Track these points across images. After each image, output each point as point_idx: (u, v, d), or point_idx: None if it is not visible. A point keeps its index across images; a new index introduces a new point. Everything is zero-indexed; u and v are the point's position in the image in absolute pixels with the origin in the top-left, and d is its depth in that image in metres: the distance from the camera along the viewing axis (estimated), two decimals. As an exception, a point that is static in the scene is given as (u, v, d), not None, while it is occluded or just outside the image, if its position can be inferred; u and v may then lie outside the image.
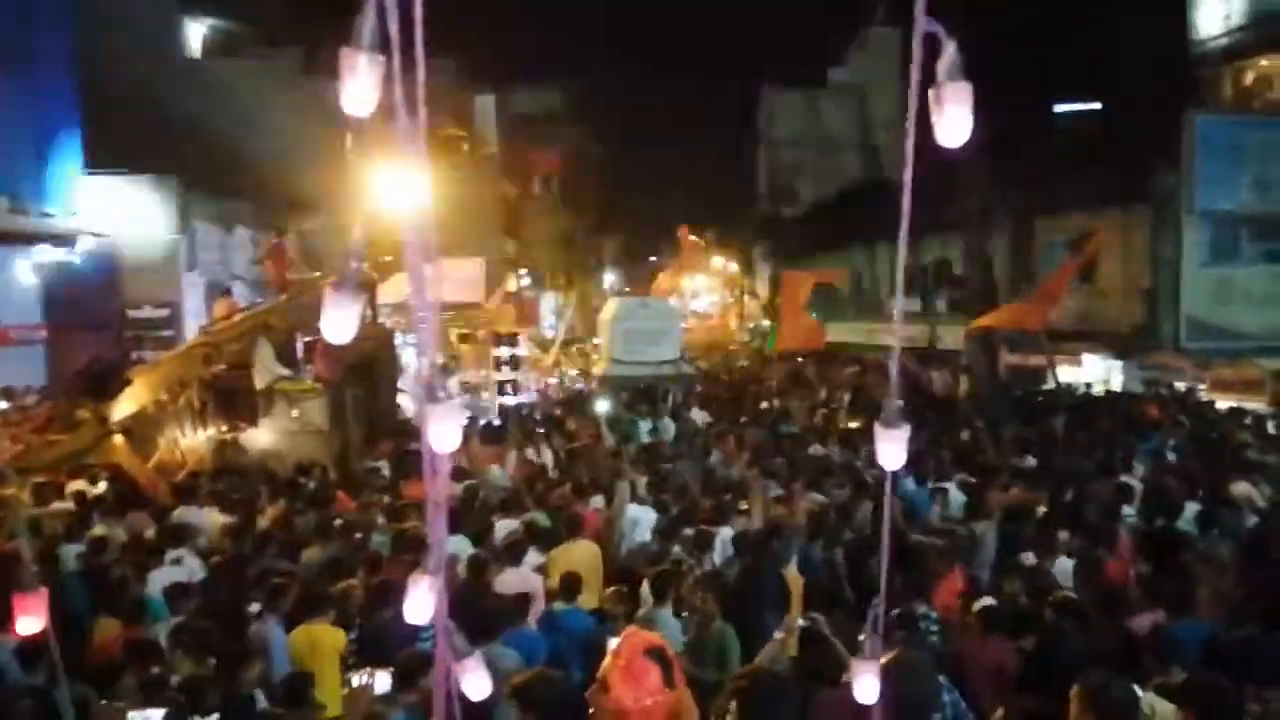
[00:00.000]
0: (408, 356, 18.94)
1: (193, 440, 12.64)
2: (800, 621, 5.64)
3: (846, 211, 40.95)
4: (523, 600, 6.62)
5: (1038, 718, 4.59)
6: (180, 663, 5.68)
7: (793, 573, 7.25)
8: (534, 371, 23.89)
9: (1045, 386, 19.69)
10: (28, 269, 16.66)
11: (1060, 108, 30.28)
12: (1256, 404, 16.05)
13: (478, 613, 6.07)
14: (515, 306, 28.89)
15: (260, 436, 13.02)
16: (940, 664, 5.18)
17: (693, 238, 51.97)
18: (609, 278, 57.73)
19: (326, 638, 6.17)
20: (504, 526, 8.60)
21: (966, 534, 8.14)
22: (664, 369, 21.51)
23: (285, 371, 13.78)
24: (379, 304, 17.52)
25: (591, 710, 4.83)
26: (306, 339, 15.07)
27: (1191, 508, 8.58)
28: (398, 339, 17.97)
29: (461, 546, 7.78)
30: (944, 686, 4.55)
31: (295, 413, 13.23)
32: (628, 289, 51.50)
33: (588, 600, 7.33)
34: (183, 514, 8.97)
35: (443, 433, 1.78)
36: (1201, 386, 18.39)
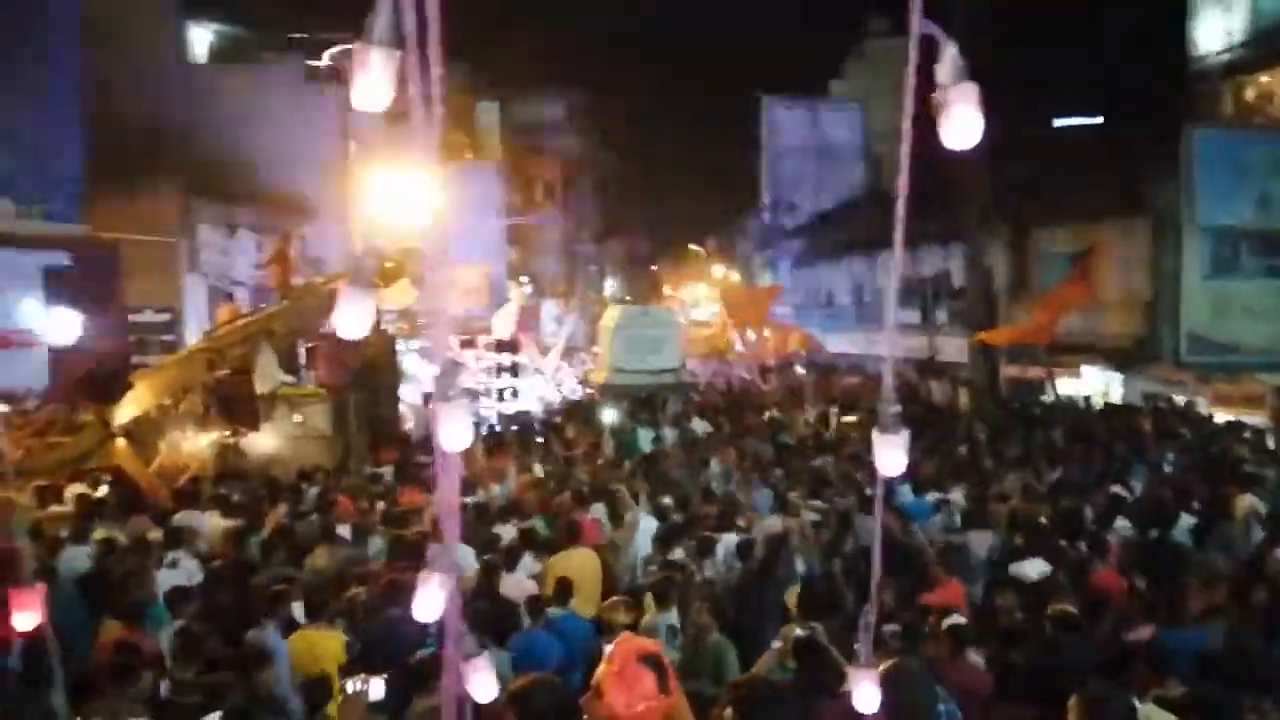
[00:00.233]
0: (410, 363, 18.99)
1: (194, 444, 12.65)
2: (798, 631, 5.64)
3: (847, 222, 41.03)
4: (534, 602, 6.64)
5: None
6: (182, 667, 5.70)
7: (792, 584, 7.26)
8: (536, 378, 23.93)
9: (1044, 399, 19.72)
10: (31, 272, 16.70)
11: (1060, 121, 30.37)
12: (1257, 418, 16.05)
13: (488, 616, 6.12)
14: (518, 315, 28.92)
15: (262, 441, 13.03)
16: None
17: (693, 247, 52.12)
18: (610, 285, 57.78)
19: (326, 644, 6.18)
20: (503, 533, 8.62)
21: (960, 543, 8.16)
22: (664, 378, 21.50)
23: (288, 377, 13.80)
24: (382, 310, 17.56)
25: (585, 717, 4.84)
26: (309, 344, 15.10)
27: (1187, 520, 8.61)
28: (400, 345, 18.01)
29: (464, 557, 7.79)
30: (940, 695, 4.56)
31: (298, 418, 13.24)
32: (629, 297, 51.53)
33: (585, 609, 7.35)
34: (184, 518, 8.97)
35: (453, 432, 1.81)
36: (1202, 400, 18.39)
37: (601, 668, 5.01)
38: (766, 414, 18.15)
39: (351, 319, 1.85)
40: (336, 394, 13.71)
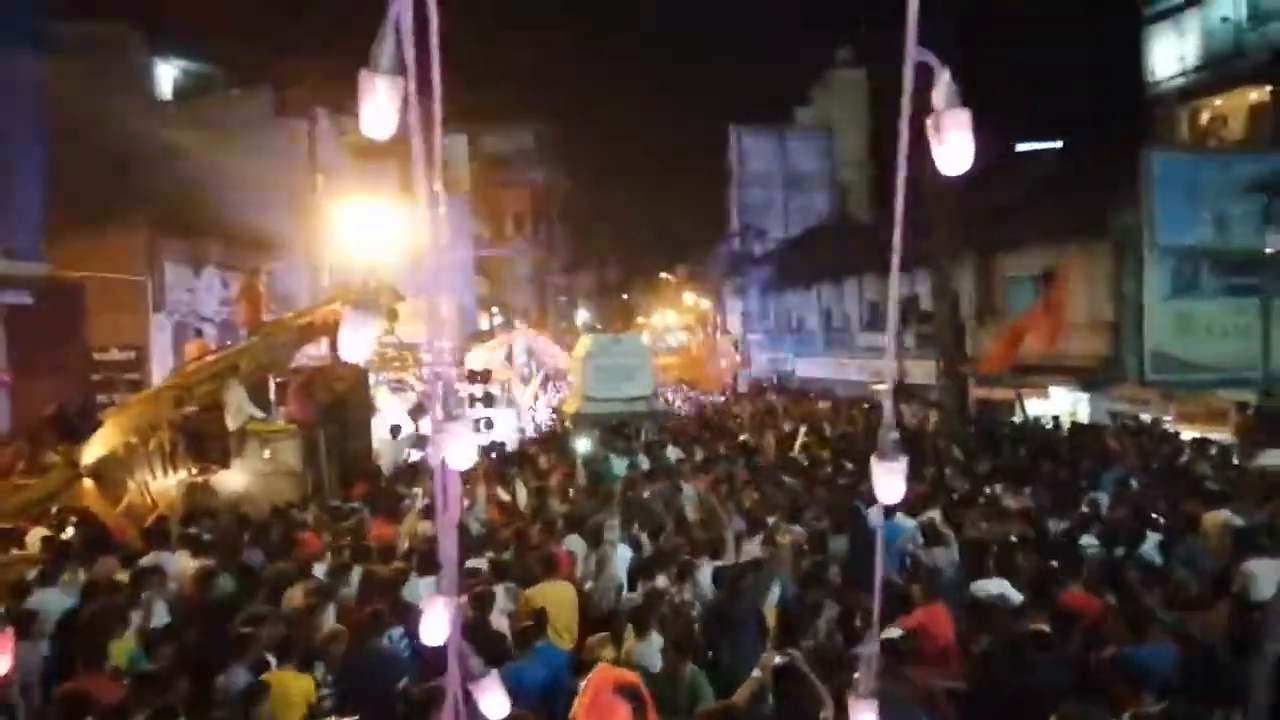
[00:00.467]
0: (381, 397, 18.86)
1: (163, 483, 12.47)
2: (778, 659, 5.63)
3: (815, 248, 41.41)
4: (524, 633, 6.60)
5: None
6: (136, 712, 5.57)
7: (770, 608, 7.26)
8: (511, 409, 23.83)
9: (1013, 419, 19.92)
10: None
11: (1022, 146, 30.89)
12: (1220, 435, 16.29)
13: (480, 646, 6.05)
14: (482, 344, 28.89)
15: (232, 478, 12.86)
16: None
17: (664, 275, 52.30)
18: (581, 315, 57.82)
19: (295, 685, 6.09)
20: (478, 566, 8.54)
21: (929, 563, 8.21)
22: (637, 405, 21.51)
23: (258, 412, 13.66)
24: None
25: None
26: (279, 379, 14.96)
27: (1154, 538, 8.70)
28: (371, 379, 17.88)
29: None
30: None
31: (268, 454, 13.09)
32: (600, 326, 51.59)
33: (562, 641, 7.30)
34: (153, 559, 8.82)
35: (458, 450, 1.81)
36: (1167, 418, 18.65)
37: (576, 700, 5.00)
38: (740, 438, 18.19)
39: (355, 342, 1.86)
40: (307, 429, 13.58)
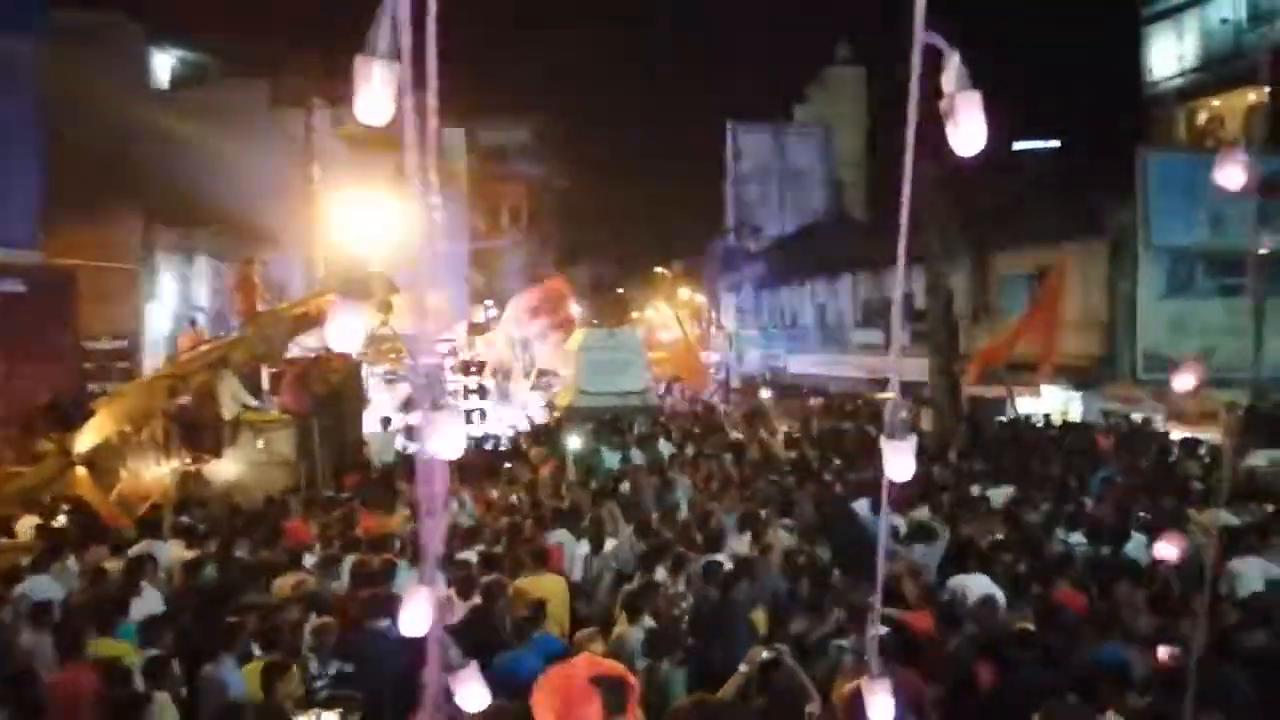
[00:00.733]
0: (374, 389, 18.85)
1: (156, 472, 12.47)
2: (764, 654, 5.64)
3: (810, 245, 41.42)
4: (521, 624, 6.64)
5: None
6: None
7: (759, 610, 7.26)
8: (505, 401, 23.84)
9: (1002, 417, 19.93)
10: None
11: (1019, 145, 30.93)
12: (1212, 435, 16.31)
13: (488, 633, 6.29)
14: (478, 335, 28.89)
15: (226, 468, 12.88)
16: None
17: (659, 270, 52.22)
18: (576, 309, 57.78)
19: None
20: (468, 558, 8.54)
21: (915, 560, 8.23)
22: (630, 399, 21.51)
23: (253, 402, 13.67)
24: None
25: None
26: (273, 370, 14.95)
27: (1140, 537, 8.72)
28: (365, 371, 17.88)
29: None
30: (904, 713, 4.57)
31: (261, 444, 13.10)
32: (595, 321, 51.58)
33: (553, 633, 7.30)
34: (144, 547, 8.82)
35: (446, 438, 1.80)
36: (1159, 418, 18.68)
37: (541, 679, 4.95)
38: (730, 434, 18.22)
39: (344, 332, 1.85)
40: (300, 419, 13.58)
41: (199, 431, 13.09)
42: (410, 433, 16.45)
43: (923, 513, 9.83)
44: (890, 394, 2.16)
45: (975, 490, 11.27)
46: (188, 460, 12.86)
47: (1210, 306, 19.61)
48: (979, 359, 19.99)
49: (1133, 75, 30.01)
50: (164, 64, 27.08)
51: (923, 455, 14.41)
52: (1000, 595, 7.24)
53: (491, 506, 11.46)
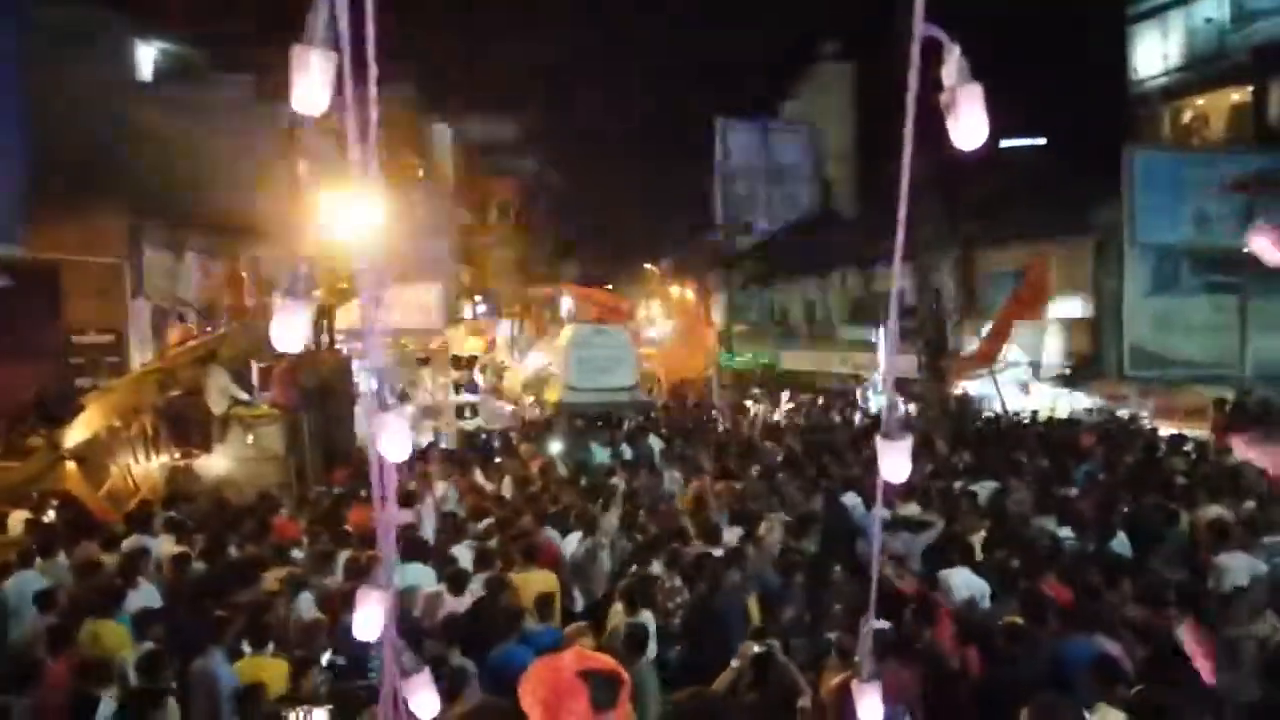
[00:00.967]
0: (364, 383, 18.78)
1: (145, 467, 12.43)
2: (756, 648, 5.66)
3: (799, 241, 41.50)
4: (514, 617, 6.67)
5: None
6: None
7: (753, 599, 7.29)
8: (496, 398, 23.82)
9: (987, 414, 20.03)
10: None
11: (1006, 143, 31.04)
12: (1198, 431, 16.44)
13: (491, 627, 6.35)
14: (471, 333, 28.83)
15: (215, 463, 12.84)
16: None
17: (649, 266, 52.16)
18: (565, 305, 57.75)
19: (270, 670, 6.08)
20: (459, 554, 8.54)
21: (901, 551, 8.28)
22: (619, 396, 21.53)
23: (243, 396, 13.63)
24: (336, 330, 17.38)
25: None
26: (262, 365, 14.89)
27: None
28: (354, 365, 17.83)
29: (423, 577, 7.72)
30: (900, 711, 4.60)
31: (251, 439, 13.07)
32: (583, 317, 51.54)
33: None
34: (136, 542, 8.81)
35: (392, 441, 1.80)
36: (1145, 414, 18.81)
37: (529, 671, 4.94)
38: (718, 429, 18.29)
39: (287, 331, 1.83)
40: (290, 414, 13.55)
41: (188, 426, 13.04)
42: None
43: (912, 508, 9.89)
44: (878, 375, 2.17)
45: (961, 485, 11.32)
46: (177, 455, 12.82)
47: (1196, 304, 19.75)
48: (973, 359, 20.05)
49: (1118, 74, 30.16)
50: (148, 58, 26.87)
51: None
52: (985, 588, 7.32)
53: (481, 499, 11.46)
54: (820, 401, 25.86)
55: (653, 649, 6.67)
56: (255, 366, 15.21)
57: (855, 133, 54.28)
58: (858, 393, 24.85)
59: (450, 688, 5.46)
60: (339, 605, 6.99)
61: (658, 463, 14.07)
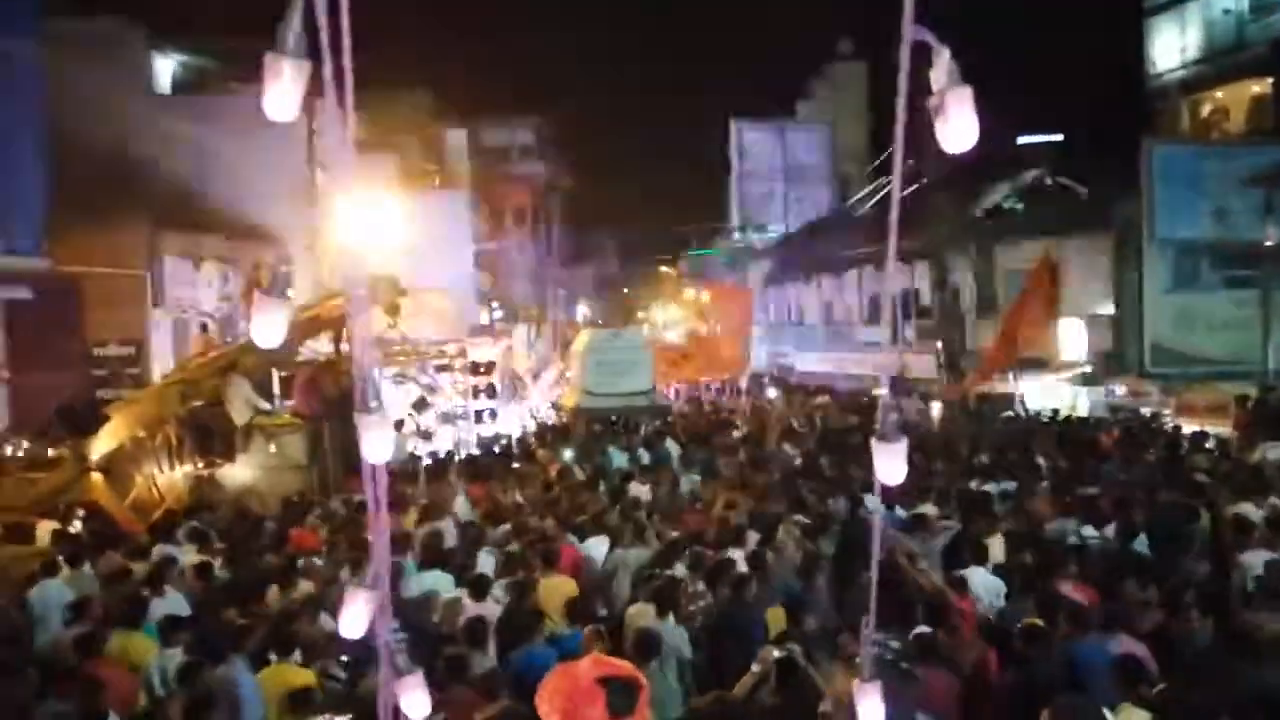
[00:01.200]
0: (385, 390, 18.86)
1: (169, 477, 12.53)
2: (776, 653, 5.65)
3: (815, 241, 41.36)
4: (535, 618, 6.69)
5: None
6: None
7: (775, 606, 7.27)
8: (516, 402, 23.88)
9: (1008, 413, 19.91)
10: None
11: (1024, 139, 30.86)
12: (1220, 428, 16.30)
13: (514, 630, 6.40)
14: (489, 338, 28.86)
15: (238, 472, 12.93)
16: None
17: (664, 269, 52.16)
18: (582, 310, 57.81)
19: (297, 679, 6.11)
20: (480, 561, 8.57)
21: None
22: (636, 400, 21.52)
23: (264, 406, 13.71)
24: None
25: None
26: (284, 374, 14.98)
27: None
28: (375, 373, 17.91)
29: (441, 583, 7.75)
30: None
31: (273, 448, 13.15)
32: (600, 321, 51.61)
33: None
34: (162, 551, 8.90)
35: (374, 443, 1.80)
36: (1167, 411, 18.65)
37: (547, 678, 4.95)
38: (736, 433, 18.24)
39: (266, 328, 1.85)
40: (312, 423, 13.62)
41: (211, 436, 13.13)
42: (425, 435, 16.52)
43: (929, 508, 9.85)
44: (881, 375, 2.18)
45: (980, 485, 11.26)
46: (200, 465, 12.92)
47: (1217, 299, 19.57)
48: (985, 365, 19.95)
49: (1135, 68, 29.94)
50: (166, 69, 27.13)
51: (928, 451, 14.43)
52: (1000, 587, 7.30)
53: (498, 506, 11.48)
54: (838, 402, 25.74)
55: (687, 651, 6.71)
56: (277, 376, 15.29)
57: (871, 131, 54.12)
58: (876, 393, 24.74)
59: (486, 690, 5.50)
60: None
61: (675, 467, 14.06)
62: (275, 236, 24.84)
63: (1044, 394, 21.30)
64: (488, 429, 19.70)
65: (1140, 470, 12.25)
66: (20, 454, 12.32)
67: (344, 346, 16.95)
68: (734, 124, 51.97)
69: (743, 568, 7.76)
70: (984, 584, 7.30)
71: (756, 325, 43.62)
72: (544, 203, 48.47)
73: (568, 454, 15.46)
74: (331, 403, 13.97)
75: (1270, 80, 25.87)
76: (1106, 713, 4.58)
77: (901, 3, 1.74)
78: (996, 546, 8.34)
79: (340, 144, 1.75)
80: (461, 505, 11.40)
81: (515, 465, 14.90)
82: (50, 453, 11.90)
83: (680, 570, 7.91)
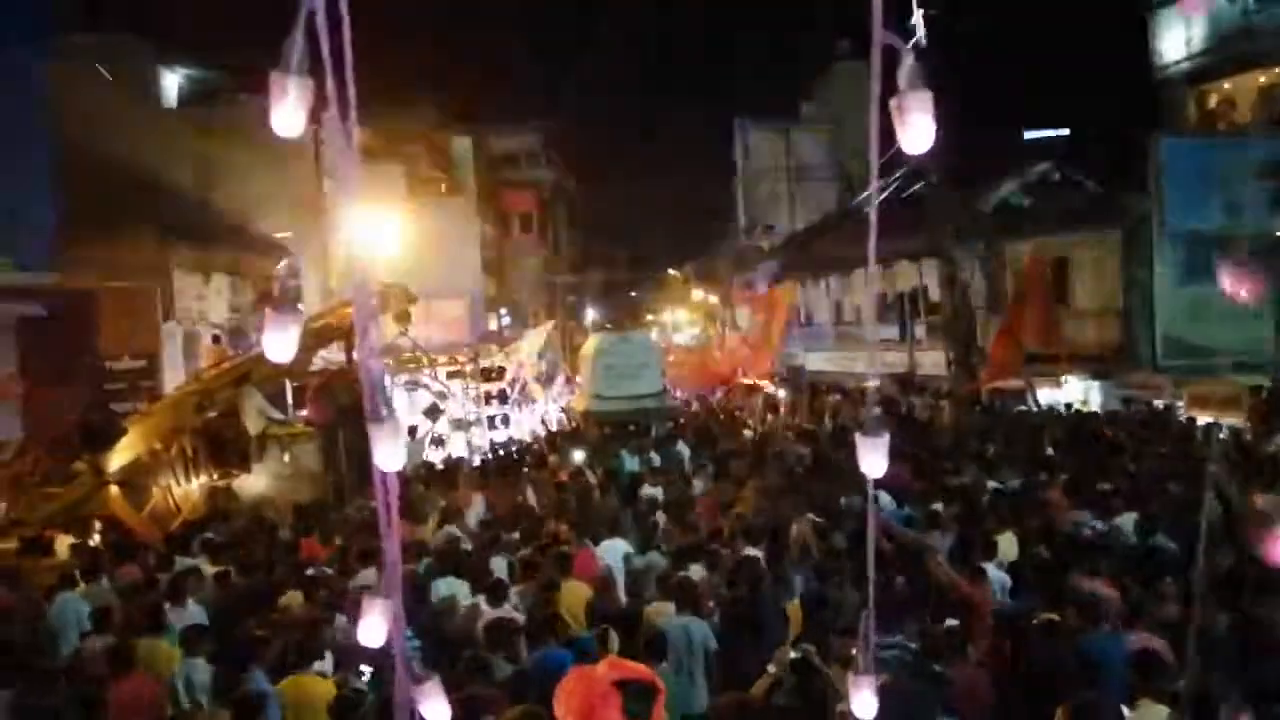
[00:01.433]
0: (398, 397, 18.92)
1: (185, 488, 12.60)
2: (792, 654, 5.65)
3: (823, 241, 41.26)
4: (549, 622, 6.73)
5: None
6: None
7: (794, 603, 7.27)
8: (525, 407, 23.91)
9: (1021, 409, 19.83)
10: (4, 322, 16.60)
11: (1030, 134, 30.76)
12: (1233, 420, 16.20)
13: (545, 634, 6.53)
14: (498, 344, 28.91)
15: (254, 482, 13.00)
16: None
17: (672, 272, 52.10)
18: (590, 314, 57.85)
19: (316, 688, 6.12)
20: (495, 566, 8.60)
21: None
22: (646, 403, 21.50)
23: (278, 415, 13.78)
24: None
25: None
26: (297, 383, 15.06)
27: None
28: (387, 381, 17.97)
29: (457, 588, 7.77)
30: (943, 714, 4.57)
31: (288, 457, 13.22)
32: (608, 325, 51.65)
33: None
34: (185, 562, 8.98)
35: (386, 451, 1.81)
36: (1180, 404, 18.56)
37: (564, 681, 4.96)
38: (747, 433, 18.24)
39: (279, 342, 1.86)
40: (325, 431, 13.68)
41: (226, 447, 13.21)
42: (438, 441, 16.56)
43: (938, 505, 9.83)
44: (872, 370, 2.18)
45: (991, 481, 11.24)
46: (216, 476, 12.99)
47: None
48: (993, 369, 19.84)
49: (1141, 60, 29.81)
50: (173, 83, 27.28)
51: (939, 448, 14.40)
52: (1006, 581, 7.29)
53: (512, 511, 11.50)
54: (846, 400, 25.69)
55: (714, 643, 6.76)
56: (290, 386, 15.37)
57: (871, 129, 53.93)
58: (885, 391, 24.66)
59: (513, 692, 5.52)
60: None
61: (687, 469, 14.07)
62: (283, 247, 24.95)
63: (1056, 388, 21.23)
64: (500, 434, 19.73)
65: (1153, 463, 12.21)
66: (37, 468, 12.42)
67: (355, 355, 17.05)
68: (737, 125, 51.95)
69: (758, 566, 7.77)
70: (994, 579, 7.31)
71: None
72: (551, 208, 48.57)
73: (579, 457, 15.48)
74: (344, 411, 14.02)
75: (1277, 70, 25.74)
76: (1124, 708, 4.57)
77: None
78: (1006, 542, 8.33)
79: (344, 158, 1.75)
80: (476, 511, 11.43)
81: (527, 470, 14.92)
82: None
83: (697, 570, 7.91)
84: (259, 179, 24.48)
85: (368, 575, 8.31)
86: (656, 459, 15.18)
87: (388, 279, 16.09)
